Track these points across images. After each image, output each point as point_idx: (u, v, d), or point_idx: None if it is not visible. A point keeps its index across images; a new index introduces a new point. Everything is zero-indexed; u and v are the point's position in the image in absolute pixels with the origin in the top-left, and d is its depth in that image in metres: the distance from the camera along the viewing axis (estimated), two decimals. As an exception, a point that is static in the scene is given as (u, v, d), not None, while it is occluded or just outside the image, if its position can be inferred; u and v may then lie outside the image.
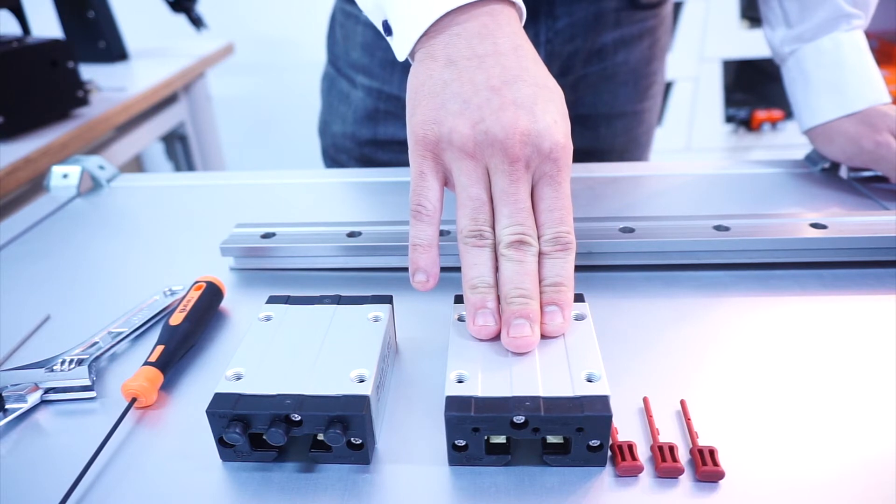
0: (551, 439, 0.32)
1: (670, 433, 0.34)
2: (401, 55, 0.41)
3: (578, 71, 0.72)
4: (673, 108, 2.19)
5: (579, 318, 0.37)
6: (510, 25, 0.39)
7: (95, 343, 0.42)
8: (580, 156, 0.79)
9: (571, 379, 0.32)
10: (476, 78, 0.37)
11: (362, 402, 0.31)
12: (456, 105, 0.37)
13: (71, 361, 0.40)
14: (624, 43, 0.72)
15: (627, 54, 0.73)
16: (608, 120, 0.77)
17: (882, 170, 0.59)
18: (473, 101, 0.37)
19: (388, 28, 0.42)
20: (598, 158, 0.78)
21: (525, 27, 0.41)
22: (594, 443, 0.31)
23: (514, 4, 0.40)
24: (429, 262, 0.38)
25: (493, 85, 0.37)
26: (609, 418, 0.30)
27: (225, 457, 0.33)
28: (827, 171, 0.66)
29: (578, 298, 0.38)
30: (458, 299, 0.39)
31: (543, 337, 0.35)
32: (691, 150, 2.26)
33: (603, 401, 0.30)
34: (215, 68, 1.74)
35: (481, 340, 0.35)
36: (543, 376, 0.32)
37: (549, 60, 0.70)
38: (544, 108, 0.37)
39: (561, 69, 0.71)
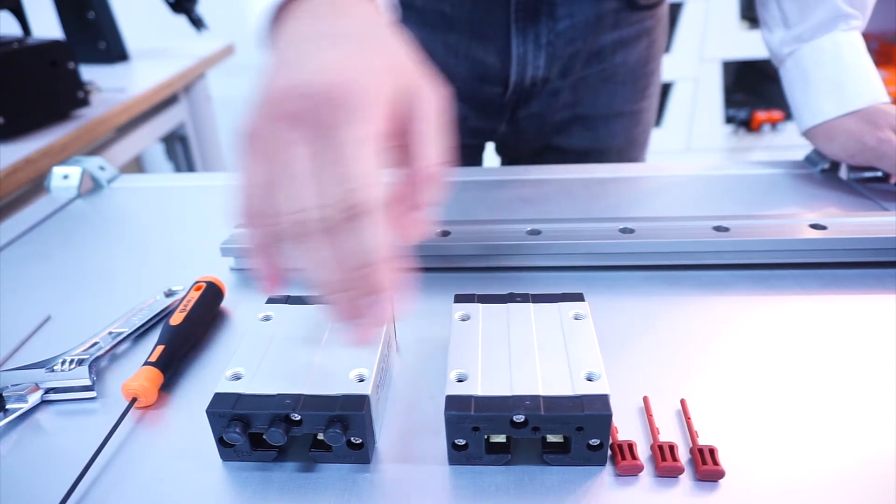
0: (551, 438, 0.32)
1: (670, 432, 0.34)
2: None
3: (578, 72, 0.72)
4: (673, 108, 2.19)
5: (579, 318, 0.37)
6: (346, 6, 0.32)
7: (96, 343, 0.42)
8: (580, 156, 0.79)
9: (571, 378, 0.32)
10: (279, 54, 0.32)
11: (362, 401, 0.31)
12: (256, 91, 0.31)
13: (71, 361, 0.40)
14: (622, 44, 0.72)
15: (626, 55, 0.73)
16: (607, 120, 0.77)
17: (884, 166, 0.59)
18: (265, 78, 0.31)
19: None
20: (598, 158, 0.79)
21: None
22: (594, 442, 0.31)
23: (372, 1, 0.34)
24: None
25: (288, 56, 0.31)
26: (609, 417, 0.30)
27: (225, 457, 0.33)
28: (826, 172, 0.66)
29: (578, 298, 0.38)
30: (458, 299, 0.39)
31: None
32: (691, 151, 2.26)
33: (603, 400, 0.30)
34: (216, 69, 1.74)
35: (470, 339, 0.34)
36: (543, 375, 0.32)
37: (550, 62, 0.70)
38: (327, 51, 0.30)
39: (561, 71, 0.71)
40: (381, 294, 0.29)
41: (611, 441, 0.32)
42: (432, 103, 0.31)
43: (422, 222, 0.31)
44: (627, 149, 0.81)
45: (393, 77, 0.30)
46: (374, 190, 0.27)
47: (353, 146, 0.28)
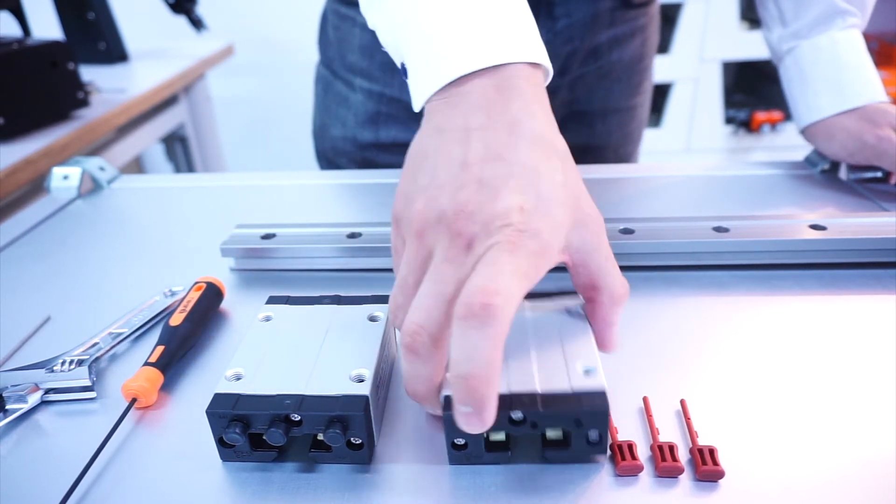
0: (551, 435, 0.32)
1: (670, 433, 0.34)
2: (415, 108, 0.38)
3: (575, 71, 0.73)
4: (673, 109, 2.19)
5: (575, 314, 0.37)
6: (518, 98, 0.34)
7: (96, 344, 0.42)
8: (577, 153, 0.79)
9: (568, 374, 0.32)
10: (454, 152, 0.32)
11: (362, 401, 0.31)
12: (425, 179, 0.32)
13: (71, 362, 0.40)
14: (617, 42, 0.74)
15: (621, 52, 0.75)
16: (603, 116, 0.78)
17: (885, 164, 0.59)
18: (440, 176, 0.32)
19: (405, 73, 0.39)
20: (594, 154, 0.79)
21: None
22: (593, 437, 0.31)
23: (538, 66, 0.36)
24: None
25: (467, 161, 0.32)
26: (606, 411, 0.30)
27: (225, 457, 0.33)
28: (826, 173, 0.66)
29: (575, 295, 0.38)
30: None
31: None
32: (691, 152, 2.26)
33: (600, 394, 0.30)
34: (215, 69, 1.74)
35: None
36: (540, 372, 0.32)
37: (549, 61, 0.70)
38: (515, 190, 0.30)
39: (559, 70, 0.72)
40: (478, 409, 0.27)
41: (610, 441, 0.32)
42: (601, 230, 0.33)
43: (615, 337, 0.35)
44: (623, 144, 0.82)
45: (572, 221, 0.32)
46: (510, 306, 0.28)
47: (516, 287, 0.28)
